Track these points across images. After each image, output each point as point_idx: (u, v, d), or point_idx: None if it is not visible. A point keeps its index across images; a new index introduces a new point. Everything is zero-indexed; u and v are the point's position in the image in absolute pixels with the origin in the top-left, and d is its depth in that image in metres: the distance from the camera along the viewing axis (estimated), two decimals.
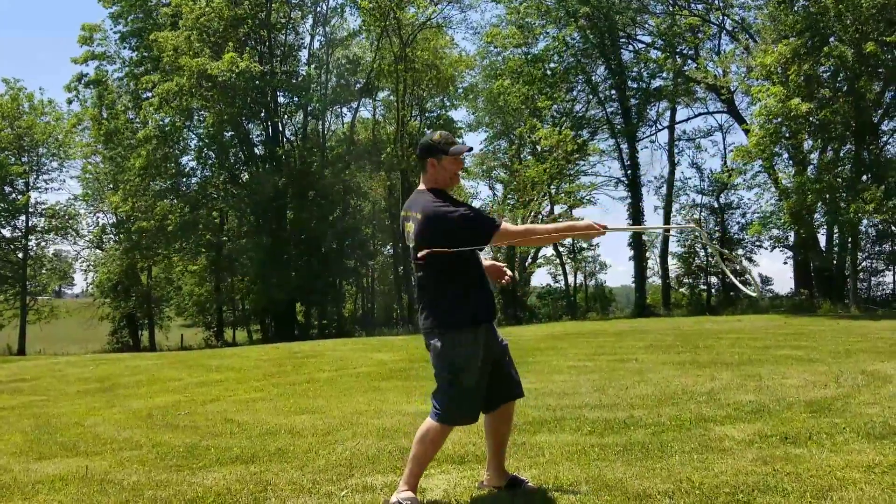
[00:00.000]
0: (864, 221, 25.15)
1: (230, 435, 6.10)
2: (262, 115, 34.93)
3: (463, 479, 4.10)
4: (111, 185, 35.60)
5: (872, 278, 30.73)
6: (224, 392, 9.44)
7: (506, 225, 3.64)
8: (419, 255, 3.54)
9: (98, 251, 38.49)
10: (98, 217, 39.51)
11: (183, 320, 39.82)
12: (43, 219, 37.21)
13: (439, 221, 3.58)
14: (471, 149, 3.84)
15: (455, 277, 3.64)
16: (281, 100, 35.51)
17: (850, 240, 26.24)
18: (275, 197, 32.33)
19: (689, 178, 48.02)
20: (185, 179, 35.48)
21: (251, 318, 37.20)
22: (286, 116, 36.27)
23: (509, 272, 3.90)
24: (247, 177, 35.03)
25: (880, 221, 25.46)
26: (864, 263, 29.87)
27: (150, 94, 32.25)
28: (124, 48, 35.60)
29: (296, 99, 35.02)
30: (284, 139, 36.21)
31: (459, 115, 57.74)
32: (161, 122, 32.86)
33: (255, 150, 35.69)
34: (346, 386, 9.26)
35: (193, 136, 35.42)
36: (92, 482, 4.58)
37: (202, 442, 5.80)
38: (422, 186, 3.81)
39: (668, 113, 34.64)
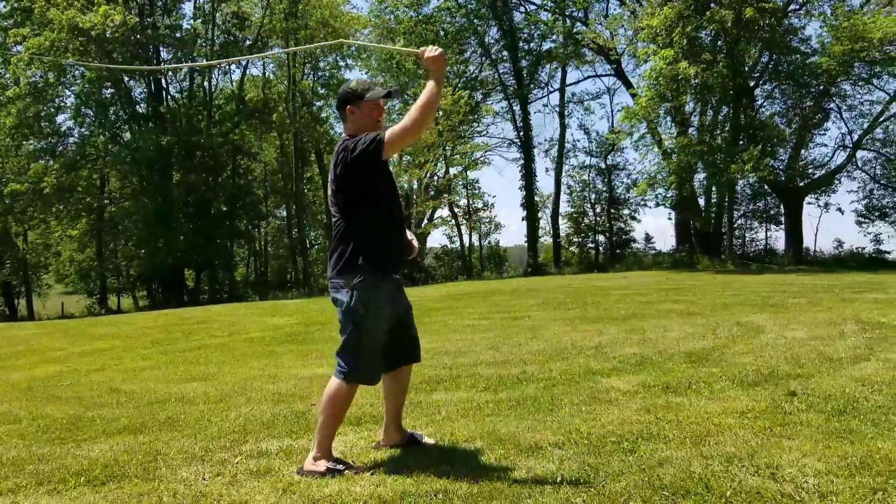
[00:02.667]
0: (741, 181, 26.57)
1: (117, 405, 5.88)
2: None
3: (360, 440, 4.12)
4: None
5: (747, 235, 32.58)
6: (109, 361, 9.09)
7: (387, 133, 3.52)
8: (334, 194, 3.58)
9: None
10: None
11: (63, 287, 37.91)
12: None
13: (341, 151, 3.56)
14: (389, 93, 3.75)
15: (367, 226, 3.58)
16: (164, 55, 33.82)
17: (727, 199, 27.70)
18: (159, 157, 30.95)
19: (579, 140, 49.19)
20: (61, 139, 33.41)
21: (137, 285, 35.80)
22: (170, 73, 34.61)
23: (415, 243, 3.83)
24: (129, 136, 33.35)
25: (756, 180, 26.93)
26: (739, 221, 31.61)
27: (20, 49, 30.06)
28: None
29: (180, 55, 33.41)
30: (169, 97, 34.60)
31: (353, 75, 56.79)
32: (33, 79, 30.70)
33: (138, 109, 33.95)
34: (239, 352, 9.09)
35: (69, 93, 33.33)
36: None
37: (87, 413, 5.57)
38: (344, 135, 3.76)
39: (558, 75, 35.29)
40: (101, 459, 4.03)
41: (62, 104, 33.29)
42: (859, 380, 4.81)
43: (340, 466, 3.51)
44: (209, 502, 3.19)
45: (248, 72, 36.27)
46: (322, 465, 3.51)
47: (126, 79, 32.97)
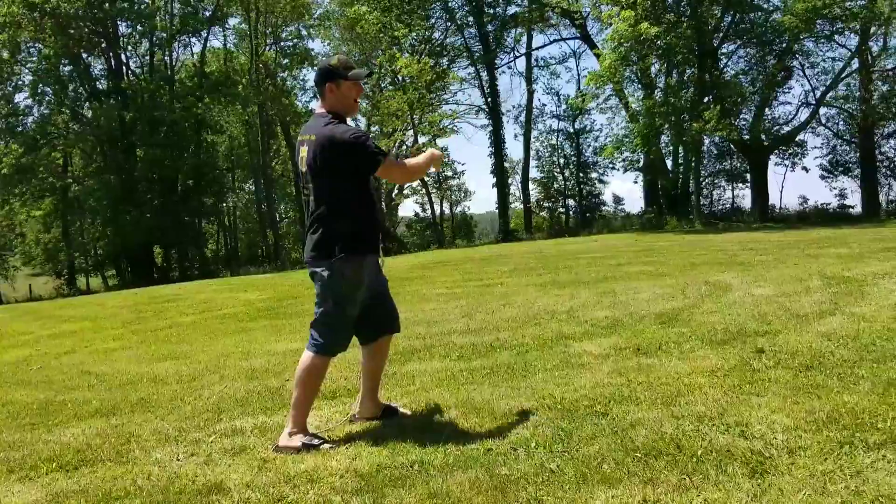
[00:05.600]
0: (706, 140, 26.77)
1: (88, 388, 5.82)
2: (103, 46, 32.38)
3: (336, 413, 4.11)
4: None
5: (714, 194, 32.95)
6: (79, 343, 8.98)
7: (391, 158, 3.68)
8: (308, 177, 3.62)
9: None
10: None
11: (30, 269, 37.24)
12: None
13: (332, 143, 3.53)
14: (370, 73, 3.86)
15: (348, 205, 3.59)
16: (123, 29, 33.06)
17: (693, 159, 27.93)
18: (122, 134, 30.36)
19: (546, 105, 49.13)
20: (19, 119, 32.59)
21: (106, 264, 35.28)
22: (130, 47, 33.82)
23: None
24: (90, 114, 32.63)
25: (721, 140, 27.17)
26: (706, 181, 31.93)
27: None
28: None
29: (139, 28, 32.63)
30: (129, 72, 33.84)
31: (316, 45, 55.97)
32: None
33: (98, 85, 33.19)
34: (211, 329, 9.02)
35: (27, 70, 32.42)
36: None
37: (57, 397, 5.50)
38: (320, 110, 3.73)
39: (524, 39, 35.09)
40: (72, 444, 3.99)
41: (20, 83, 32.48)
42: (825, 335, 4.90)
43: (316, 441, 3.51)
44: (184, 483, 3.17)
45: (208, 44, 35.60)
46: (297, 440, 3.52)
47: (85, 55, 32.19)
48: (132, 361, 7.02)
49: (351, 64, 3.73)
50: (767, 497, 2.46)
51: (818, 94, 27.61)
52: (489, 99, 33.40)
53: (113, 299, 16.18)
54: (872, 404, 3.29)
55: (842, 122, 28.99)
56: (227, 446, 3.66)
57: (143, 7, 32.51)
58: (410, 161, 3.81)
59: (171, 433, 4.02)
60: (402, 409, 3.96)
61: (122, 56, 33.25)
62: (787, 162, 29.86)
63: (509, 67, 35.09)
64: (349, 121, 3.79)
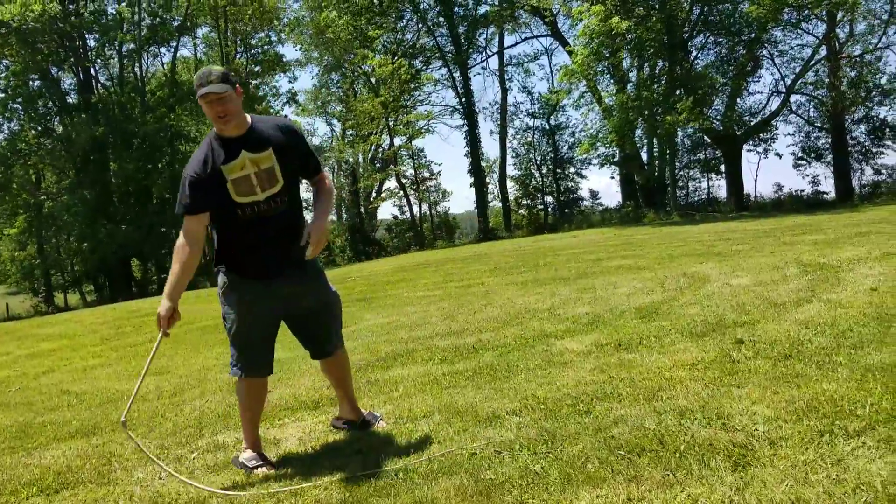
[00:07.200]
0: (679, 132, 26.97)
1: (68, 408, 5.75)
2: (72, 60, 32.06)
3: (318, 424, 4.09)
4: None
5: (690, 185, 33.18)
6: (58, 362, 8.87)
7: (187, 219, 3.38)
8: None
9: None
10: None
11: (6, 288, 36.77)
12: None
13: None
14: (210, 92, 3.22)
15: (223, 232, 3.49)
16: (91, 43, 32.74)
17: (667, 151, 28.12)
18: (95, 148, 30.06)
19: (521, 103, 49.29)
20: None
21: (83, 280, 34.90)
22: (99, 60, 33.51)
23: (306, 240, 3.41)
24: (61, 129, 32.30)
25: (695, 131, 27.39)
26: (681, 173, 32.16)
27: None
28: None
29: (107, 41, 32.32)
30: (99, 85, 33.52)
31: (288, 50, 55.78)
32: None
33: (68, 100, 32.85)
34: (192, 342, 8.94)
35: None
36: None
37: (37, 419, 5.43)
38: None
39: (496, 39, 35.14)
40: (53, 466, 3.94)
41: None
42: (803, 323, 4.94)
43: (252, 462, 3.44)
44: (167, 502, 3.14)
45: (178, 54, 35.31)
46: (245, 456, 3.51)
47: (54, 69, 31.86)
48: (112, 378, 6.95)
49: (202, 80, 3.26)
50: (750, 490, 2.47)
51: (788, 82, 27.95)
52: (463, 99, 33.40)
53: (91, 315, 16.00)
54: (851, 391, 3.32)
55: (812, 109, 29.34)
56: (209, 462, 3.63)
57: (109, 20, 32.20)
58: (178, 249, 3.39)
59: (153, 451, 3.97)
60: (381, 423, 3.85)
61: (92, 69, 32.94)
62: (759, 149, 30.16)
63: (483, 67, 35.14)
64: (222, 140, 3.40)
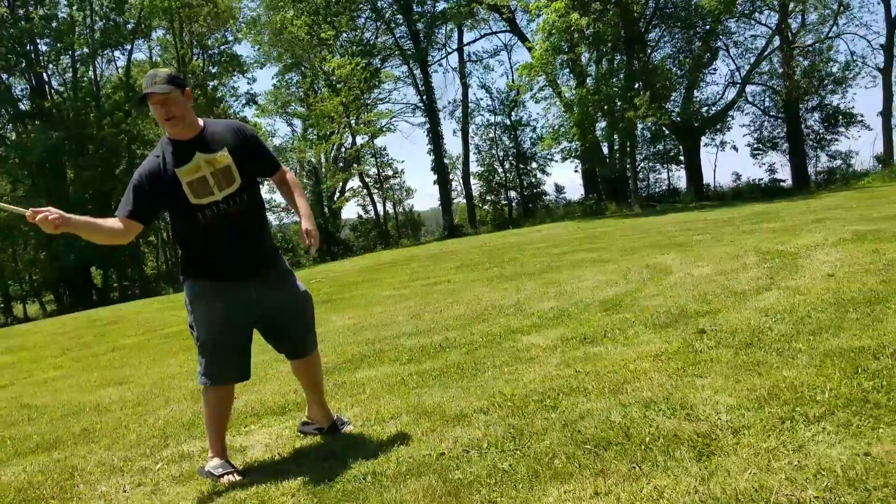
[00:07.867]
0: (639, 125, 27.23)
1: (28, 422, 5.62)
2: (23, 66, 31.36)
3: (285, 429, 4.05)
4: None
5: (651, 177, 33.52)
6: (17, 375, 8.68)
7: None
8: None
9: None
10: None
11: None
12: None
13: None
14: (152, 92, 3.19)
15: (187, 239, 3.48)
16: (43, 48, 32.06)
17: (628, 145, 28.39)
18: (50, 155, 29.43)
19: (482, 99, 49.41)
20: None
21: (42, 290, 34.22)
22: (51, 66, 32.82)
23: (309, 241, 3.52)
24: (14, 136, 31.58)
25: (652, 124, 27.67)
26: (642, 165, 32.48)
27: None
28: None
29: (59, 45, 31.66)
30: (52, 91, 32.84)
31: (245, 50, 55.19)
32: None
33: (21, 106, 32.12)
34: (155, 350, 8.81)
35: None
36: None
37: None
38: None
39: (455, 35, 35.15)
40: (13, 483, 3.85)
41: None
42: (762, 310, 5.02)
43: (219, 471, 3.39)
44: None
45: (133, 57, 34.74)
46: (211, 464, 3.46)
47: (5, 75, 31.15)
48: (74, 390, 6.81)
49: (146, 83, 3.25)
50: (715, 479, 2.50)
51: (743, 72, 28.39)
52: (424, 96, 33.36)
53: (51, 325, 15.70)
54: (810, 377, 3.38)
55: (767, 99, 29.83)
56: (174, 473, 3.57)
57: (61, 24, 31.54)
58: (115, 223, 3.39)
59: (117, 463, 3.91)
60: (347, 427, 3.83)
61: (44, 75, 32.26)
62: (716, 141, 30.57)
63: (441, 65, 35.18)
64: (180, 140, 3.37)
